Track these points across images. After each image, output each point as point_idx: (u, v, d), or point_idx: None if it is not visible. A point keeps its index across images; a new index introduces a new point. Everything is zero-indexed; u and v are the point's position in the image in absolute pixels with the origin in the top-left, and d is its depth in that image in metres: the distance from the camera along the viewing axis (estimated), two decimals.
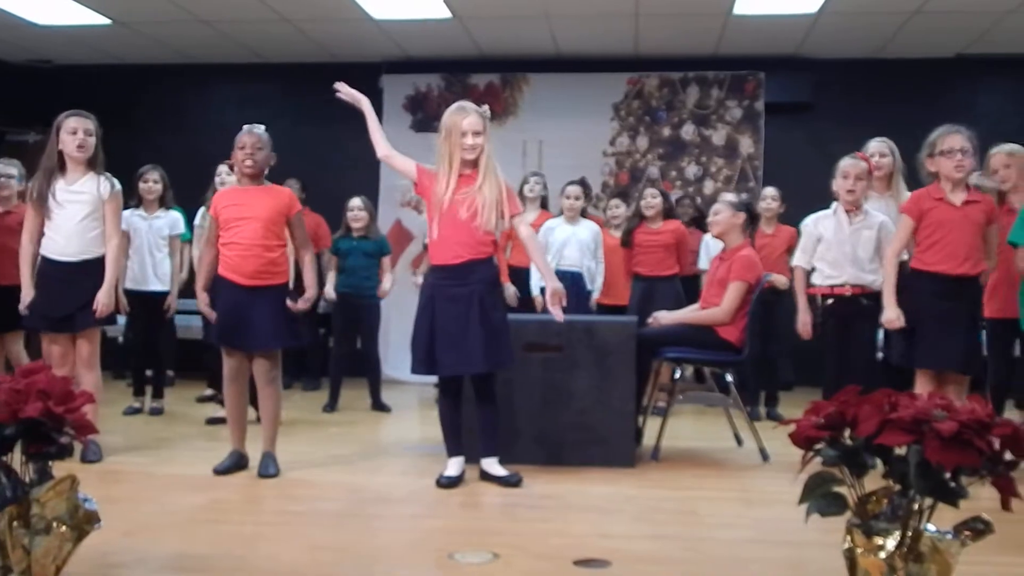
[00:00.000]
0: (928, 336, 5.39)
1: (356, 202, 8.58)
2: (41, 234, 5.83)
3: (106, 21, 9.95)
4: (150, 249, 7.81)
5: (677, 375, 6.42)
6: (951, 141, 5.47)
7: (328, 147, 11.09)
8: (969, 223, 5.43)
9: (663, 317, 6.58)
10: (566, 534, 4.33)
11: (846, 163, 6.15)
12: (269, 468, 5.55)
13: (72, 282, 5.79)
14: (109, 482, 5.26)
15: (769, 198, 8.29)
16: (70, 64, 11.56)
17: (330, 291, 8.47)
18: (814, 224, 6.32)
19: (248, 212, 5.53)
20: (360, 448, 6.66)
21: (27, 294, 5.80)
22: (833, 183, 6.20)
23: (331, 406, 8.39)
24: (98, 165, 5.91)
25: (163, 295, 7.87)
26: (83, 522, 3.28)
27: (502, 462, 5.46)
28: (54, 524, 3.19)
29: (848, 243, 6.09)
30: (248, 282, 5.50)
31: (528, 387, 5.92)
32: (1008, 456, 2.89)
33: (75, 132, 5.76)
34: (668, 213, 8.51)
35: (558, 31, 10.16)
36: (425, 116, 11.24)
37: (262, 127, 5.72)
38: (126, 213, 6.91)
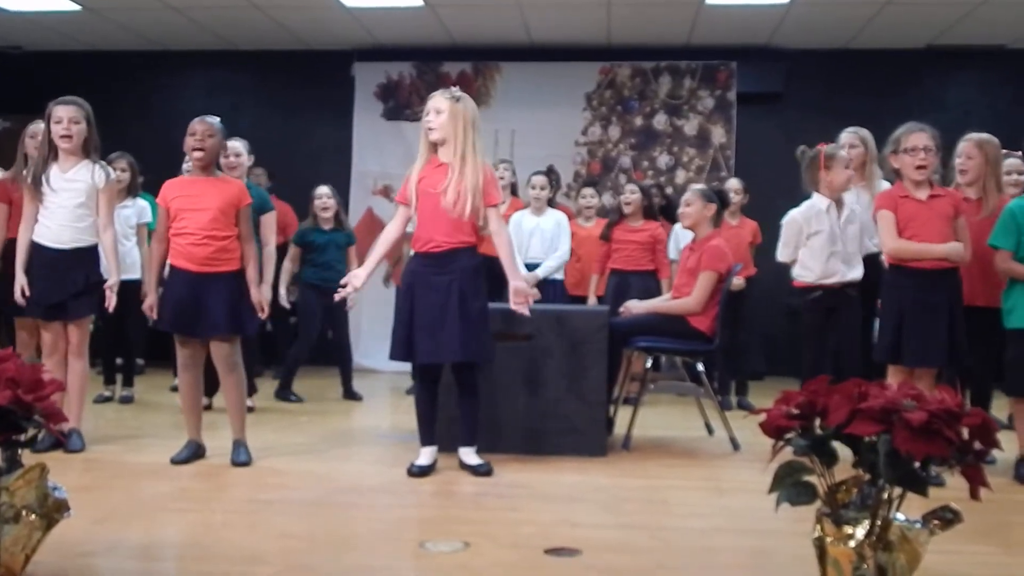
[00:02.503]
0: (914, 335, 5.38)
1: (324, 190, 8.46)
2: (35, 221, 5.80)
3: (76, 7, 9.88)
4: (118, 238, 7.73)
5: (649, 364, 6.43)
6: (914, 139, 5.46)
7: (299, 134, 11.08)
8: (937, 216, 5.42)
9: (634, 306, 6.59)
10: (536, 523, 4.33)
11: (844, 154, 6.18)
12: (241, 455, 5.54)
13: (64, 270, 5.75)
14: (79, 470, 5.24)
15: (732, 191, 8.30)
16: (40, 50, 11.48)
17: (283, 296, 8.28)
18: (804, 220, 6.24)
19: (198, 203, 5.49)
20: (331, 437, 6.65)
21: (20, 280, 5.76)
22: (823, 175, 6.14)
23: (284, 391, 8.33)
24: (92, 152, 5.88)
25: (132, 284, 7.80)
26: (53, 510, 3.27)
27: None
28: (23, 512, 3.18)
29: (839, 241, 6.09)
30: (200, 268, 5.46)
31: (500, 376, 5.91)
32: (977, 446, 2.91)
33: (60, 121, 5.74)
34: (647, 211, 8.46)
35: (531, 20, 10.15)
36: (397, 104, 11.24)
37: (216, 119, 5.69)
38: None
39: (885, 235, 5.56)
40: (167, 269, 5.64)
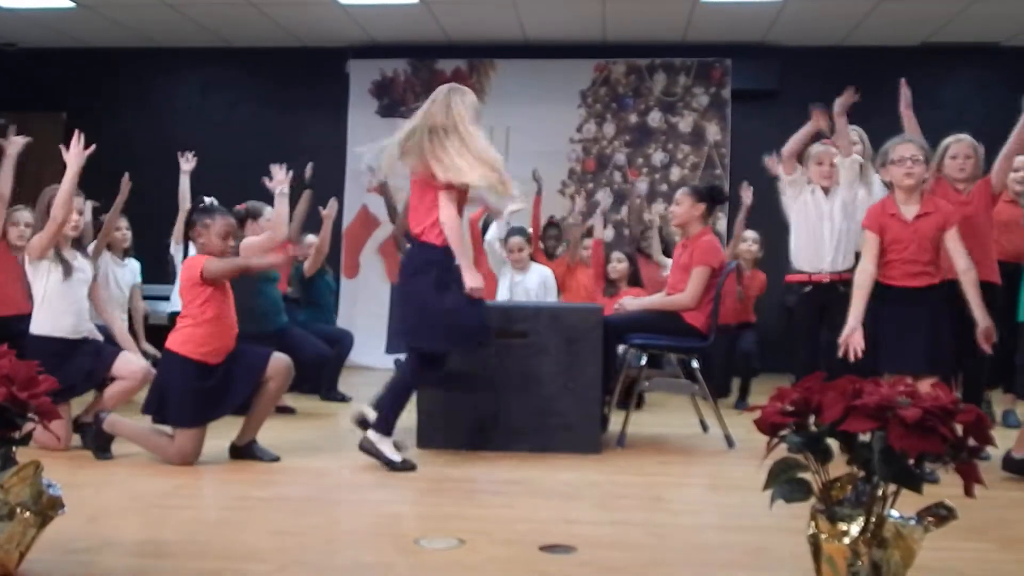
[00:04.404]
0: (889, 342, 5.38)
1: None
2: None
3: (70, 4, 9.88)
4: (119, 303, 7.61)
5: (644, 361, 6.43)
6: (901, 150, 5.49)
7: (294, 131, 11.07)
8: (920, 239, 5.40)
9: (629, 304, 6.59)
10: (531, 520, 4.33)
11: (818, 150, 6.24)
12: (269, 452, 5.58)
13: (73, 356, 5.74)
14: (74, 468, 5.23)
15: (750, 240, 8.29)
16: (35, 47, 11.46)
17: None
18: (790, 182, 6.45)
19: (229, 297, 5.45)
20: (325, 434, 6.66)
21: None
22: (807, 171, 6.24)
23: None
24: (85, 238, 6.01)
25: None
26: (47, 508, 3.26)
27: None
28: (18, 510, 3.17)
29: (826, 222, 6.17)
30: (219, 360, 5.36)
31: (494, 373, 5.92)
32: (971, 442, 2.91)
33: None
34: (633, 279, 8.16)
35: (525, 16, 10.16)
36: (391, 101, 11.25)
37: (213, 202, 5.54)
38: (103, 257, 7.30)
39: (864, 256, 5.59)
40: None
